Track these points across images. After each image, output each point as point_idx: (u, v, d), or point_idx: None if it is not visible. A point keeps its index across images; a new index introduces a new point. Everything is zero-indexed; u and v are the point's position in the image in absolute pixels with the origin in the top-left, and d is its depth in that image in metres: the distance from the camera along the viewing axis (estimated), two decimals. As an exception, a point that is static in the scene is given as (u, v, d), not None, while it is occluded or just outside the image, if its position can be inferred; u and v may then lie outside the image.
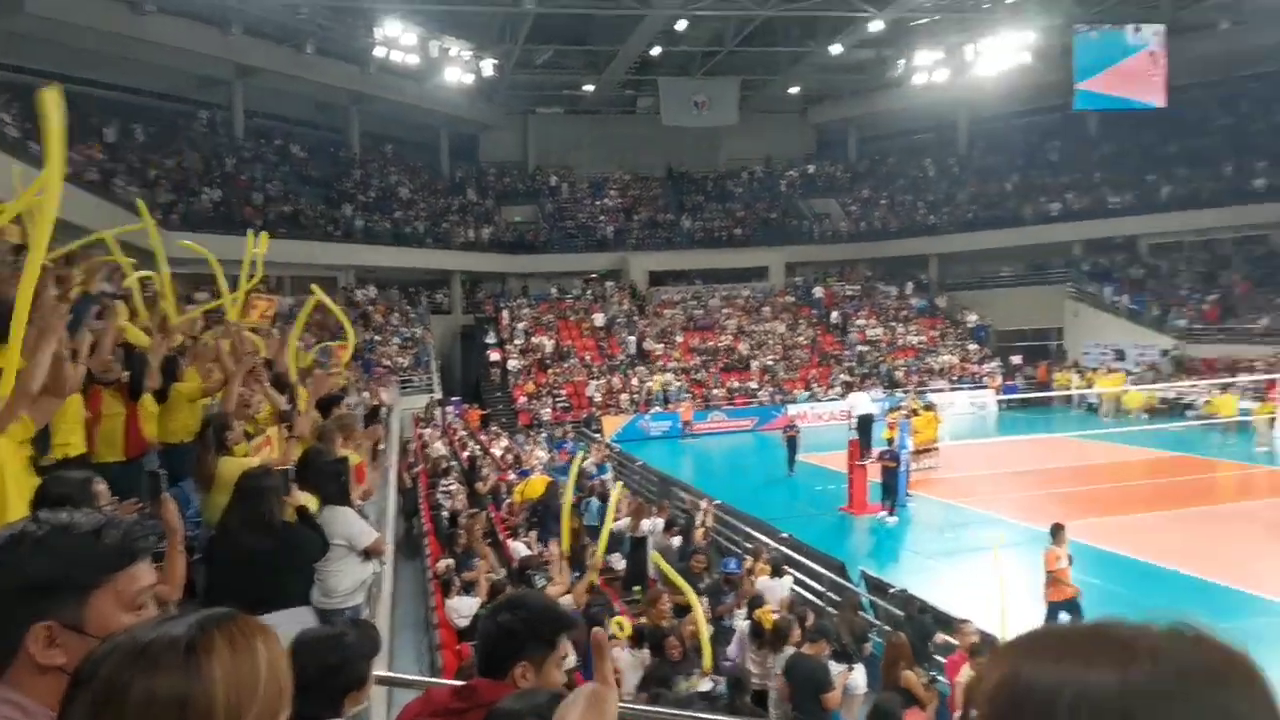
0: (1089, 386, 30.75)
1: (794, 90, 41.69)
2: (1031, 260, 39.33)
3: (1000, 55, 34.48)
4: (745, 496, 17.39)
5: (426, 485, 14.35)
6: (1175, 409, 27.83)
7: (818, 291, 39.56)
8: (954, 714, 7.01)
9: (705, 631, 7.31)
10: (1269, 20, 33.82)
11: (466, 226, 37.57)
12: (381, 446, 13.00)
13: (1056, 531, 10.05)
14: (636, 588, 10.64)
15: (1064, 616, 9.67)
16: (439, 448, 18.08)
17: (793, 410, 30.10)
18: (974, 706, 0.77)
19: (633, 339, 34.81)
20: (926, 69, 36.96)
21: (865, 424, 18.61)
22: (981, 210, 39.85)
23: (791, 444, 21.77)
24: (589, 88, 39.95)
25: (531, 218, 41.00)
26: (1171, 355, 31.53)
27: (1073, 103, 34.27)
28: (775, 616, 7.97)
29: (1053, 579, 9.78)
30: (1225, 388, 25.92)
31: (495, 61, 33.65)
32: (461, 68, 33.13)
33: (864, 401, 20.06)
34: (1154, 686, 0.67)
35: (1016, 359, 35.88)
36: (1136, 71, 33.37)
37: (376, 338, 29.39)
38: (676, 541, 11.52)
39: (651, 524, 11.43)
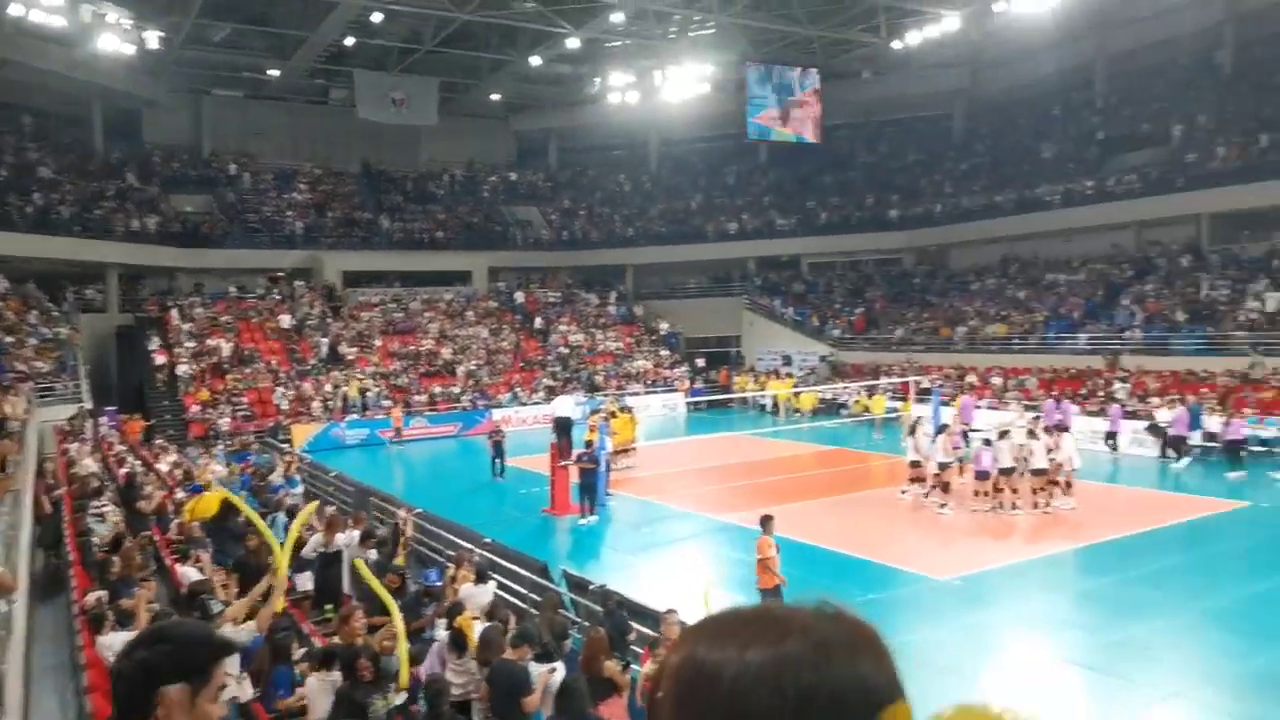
0: (763, 389, 33.86)
1: (496, 97, 41.77)
2: (714, 274, 42.73)
3: (684, 83, 37.29)
4: (449, 504, 17.01)
5: (72, 509, 12.38)
6: (832, 408, 31.51)
7: (520, 297, 39.87)
8: (640, 698, 7.34)
9: (404, 646, 6.94)
10: (901, 76, 39.80)
11: (127, 215, 33.17)
12: (8, 467, 11.04)
13: (766, 522, 10.63)
14: (329, 606, 9.93)
15: None
16: (89, 465, 15.70)
17: (497, 415, 30.00)
18: (660, 687, 0.85)
19: (325, 342, 32.78)
20: (620, 89, 38.97)
21: (564, 426, 18.99)
22: (671, 226, 42.52)
23: (497, 448, 21.61)
24: (274, 72, 37.11)
25: (206, 208, 37.15)
26: (828, 361, 35.68)
27: (746, 132, 38.02)
28: (476, 624, 7.83)
29: (763, 566, 10.36)
30: (871, 390, 29.72)
31: (161, 34, 30.06)
32: (120, 36, 29.18)
33: (566, 405, 20.47)
34: (801, 657, 0.78)
35: (700, 362, 38.68)
36: (798, 109, 37.78)
37: (8, 339, 24.97)
38: (374, 554, 10.92)
39: (347, 537, 10.73)
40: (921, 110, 43.11)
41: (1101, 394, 24.74)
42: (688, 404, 33.45)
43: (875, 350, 34.94)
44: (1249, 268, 27.42)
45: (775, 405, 32.46)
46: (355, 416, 29.29)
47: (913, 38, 33.21)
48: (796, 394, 32.17)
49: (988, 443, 16.42)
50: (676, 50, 36.10)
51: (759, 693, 0.77)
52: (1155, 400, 22.46)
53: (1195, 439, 20.84)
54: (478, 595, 9.37)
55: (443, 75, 38.07)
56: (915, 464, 17.28)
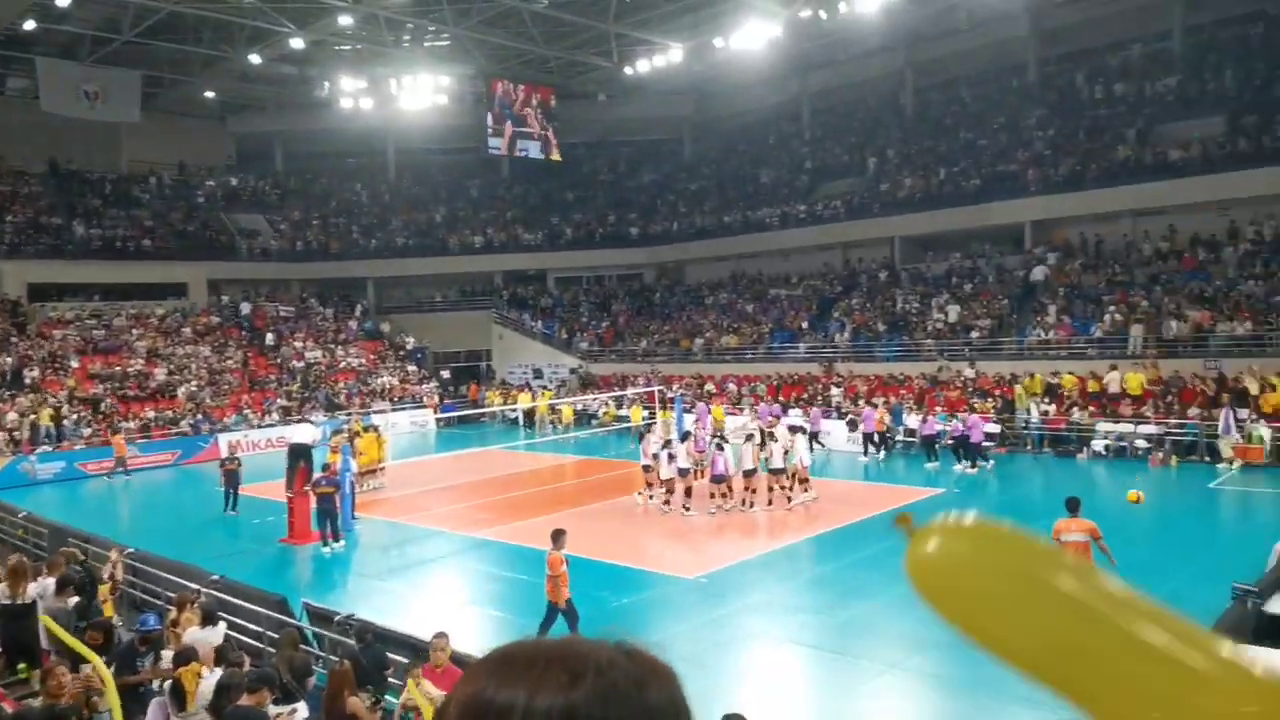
0: (514, 403, 33.81)
1: (210, 95, 38.47)
2: (461, 287, 42.10)
3: (421, 94, 36.68)
4: (170, 539, 15.39)
5: None
6: (584, 418, 32.12)
7: (245, 308, 36.93)
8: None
9: (115, 700, 6.17)
10: (634, 100, 41.70)
11: None
12: None
13: (558, 537, 10.58)
14: (21, 665, 8.58)
15: (560, 619, 10.33)
16: None
17: (225, 439, 27.55)
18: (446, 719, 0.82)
19: (9, 362, 28.44)
20: (352, 95, 37.48)
21: (300, 453, 17.64)
22: (414, 238, 41.36)
23: (231, 478, 19.35)
24: (-68, 53, 31.83)
25: None
26: (578, 373, 36.35)
27: (487, 146, 38.15)
28: (206, 673, 7.14)
29: (556, 582, 10.28)
30: (620, 400, 30.64)
31: None
32: None
33: (302, 431, 19.02)
34: (593, 697, 0.77)
35: (446, 374, 37.95)
36: (536, 127, 38.59)
37: None
38: (75, 601, 9.61)
39: (40, 586, 9.35)
40: (654, 134, 45.38)
41: (820, 398, 27.20)
42: (438, 420, 32.63)
43: (622, 362, 36.12)
44: (933, 284, 31.43)
45: (528, 419, 32.52)
46: (48, 448, 25.63)
47: (643, 65, 34.98)
48: (553, 407, 32.46)
49: (720, 447, 17.35)
50: (412, 59, 35.36)
51: None
52: (863, 403, 25.09)
53: (900, 434, 23.56)
54: (206, 638, 8.54)
55: (147, 69, 34.53)
56: (647, 468, 17.95)
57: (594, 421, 31.39)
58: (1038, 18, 33.14)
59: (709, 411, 26.57)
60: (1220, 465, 19.52)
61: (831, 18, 29.95)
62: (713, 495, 17.14)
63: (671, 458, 17.25)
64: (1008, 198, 29.81)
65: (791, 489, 17.45)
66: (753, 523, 16.57)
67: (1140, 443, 21.03)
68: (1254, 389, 20.50)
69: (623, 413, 30.12)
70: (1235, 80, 28.10)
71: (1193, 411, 20.69)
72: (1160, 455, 20.42)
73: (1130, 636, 0.79)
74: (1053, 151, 30.22)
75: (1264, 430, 19.41)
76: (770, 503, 17.24)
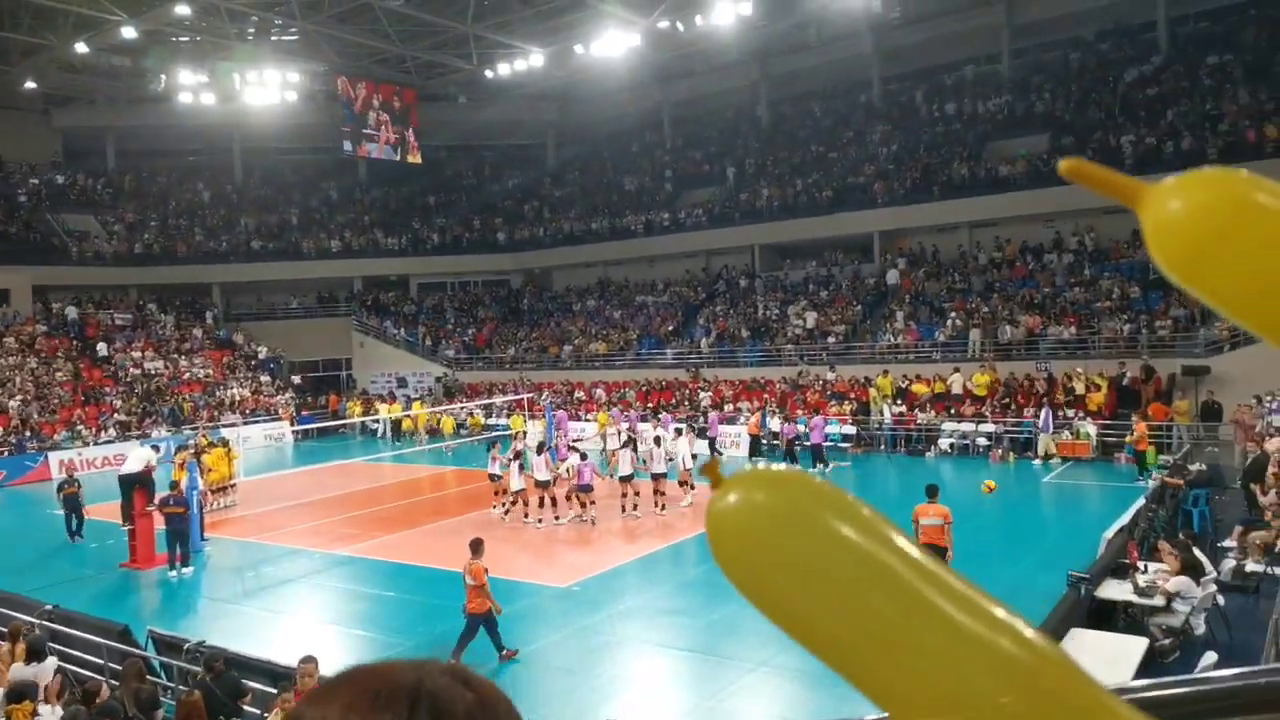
0: (375, 413, 32.70)
1: (32, 85, 35.40)
2: (319, 293, 40.40)
3: (268, 90, 35.06)
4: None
5: None
6: (451, 429, 31.44)
7: (73, 315, 34.18)
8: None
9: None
10: (496, 103, 41.26)
11: None
12: None
13: (477, 546, 10.46)
14: None
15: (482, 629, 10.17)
16: None
17: (58, 458, 25.44)
18: None
19: None
20: (191, 89, 35.41)
21: (130, 483, 16.34)
22: (264, 241, 39.43)
23: (71, 503, 17.46)
24: None
25: None
26: (443, 382, 35.54)
27: (341, 147, 36.90)
28: (46, 709, 6.64)
29: (477, 591, 10.11)
30: (489, 409, 30.20)
31: None
32: None
33: (133, 456, 17.60)
34: None
35: (296, 379, 36.41)
36: (394, 128, 37.67)
37: None
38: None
39: None
40: (517, 138, 45.04)
41: (688, 403, 27.70)
42: (294, 433, 31.19)
43: (489, 369, 35.60)
44: (791, 291, 32.61)
45: (395, 430, 31.52)
46: None
47: (504, 69, 34.74)
48: (411, 416, 31.58)
49: (584, 456, 17.28)
50: (257, 54, 33.72)
51: None
52: (741, 406, 25.73)
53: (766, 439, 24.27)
54: (32, 675, 7.90)
55: (-43, 56, 31.53)
56: (494, 478, 17.71)
57: (462, 431, 30.82)
58: (879, 37, 34.97)
59: (567, 419, 26.60)
60: (1037, 461, 21.14)
61: (688, 29, 30.67)
62: (583, 504, 16.87)
63: (521, 468, 17.05)
64: (857, 208, 31.32)
65: (664, 494, 17.59)
66: (624, 529, 16.69)
67: (981, 440, 22.53)
68: (1080, 389, 22.33)
69: (493, 421, 29.69)
70: (1057, 101, 30.55)
71: (1029, 411, 22.32)
72: (999, 452, 21.94)
73: (920, 600, 0.70)
74: (896, 165, 31.96)
75: (1090, 427, 21.16)
76: (661, 507, 17.28)
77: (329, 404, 35.21)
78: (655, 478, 17.46)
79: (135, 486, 15.99)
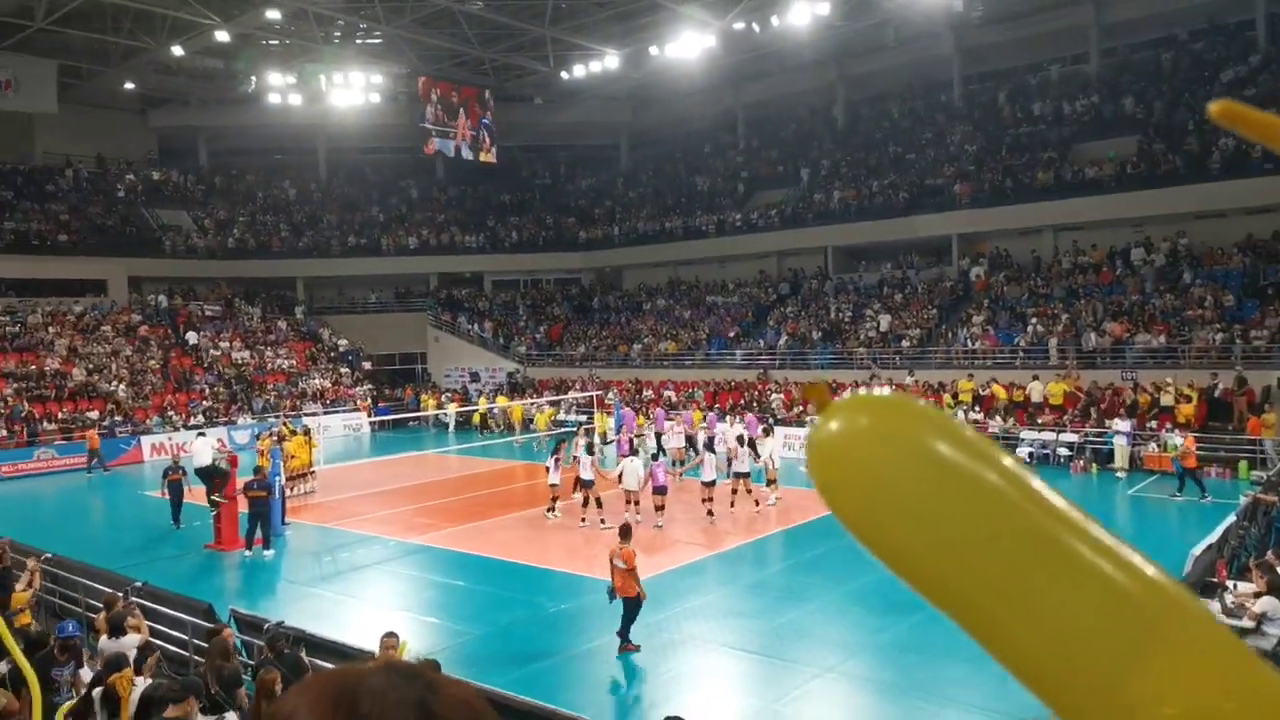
0: (440, 407, 33.27)
1: (130, 87, 37.08)
2: (396, 288, 41.41)
3: (353, 92, 36.04)
4: (91, 545, 14.84)
5: None
6: (524, 423, 31.80)
7: (165, 304, 35.69)
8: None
9: (39, 714, 5.94)
10: (571, 105, 41.68)
11: None
12: None
13: (626, 532, 10.94)
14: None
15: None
16: None
17: (150, 441, 26.68)
18: None
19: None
20: (280, 91, 36.61)
21: (206, 473, 17.31)
22: (347, 238, 40.56)
23: (175, 490, 17.60)
24: None
25: None
26: (515, 377, 36.05)
27: (421, 147, 37.73)
28: (139, 680, 6.94)
29: (628, 575, 10.49)
30: (557, 405, 30.49)
31: None
32: None
33: (200, 451, 18.35)
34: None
35: (368, 365, 37.27)
36: (472, 129, 38.33)
37: None
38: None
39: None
40: (591, 139, 45.43)
41: (757, 404, 27.52)
42: (372, 423, 32.01)
43: (560, 366, 35.97)
44: (865, 293, 32.13)
45: (488, 423, 31.83)
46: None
47: (579, 70, 35.05)
48: (483, 412, 32.10)
49: (655, 457, 17.12)
50: (343, 56, 34.70)
51: None
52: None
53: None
54: (116, 649, 8.29)
55: (63, 58, 33.17)
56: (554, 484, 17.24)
57: (531, 426, 31.20)
58: (960, 37, 34.19)
59: (633, 418, 26.51)
60: (1120, 474, 20.37)
61: (765, 30, 30.45)
62: (658, 507, 16.25)
63: (558, 463, 17.12)
64: (935, 211, 30.70)
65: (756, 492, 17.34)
66: (694, 528, 16.62)
67: (1062, 450, 21.84)
68: (1168, 399, 21.46)
69: (562, 417, 29.93)
70: (1147, 102, 29.44)
71: (1113, 422, 21.53)
72: (1080, 463, 21.24)
73: (1046, 541, 0.63)
74: (976, 167, 31.21)
75: (1177, 439, 20.28)
76: (732, 505, 17.21)
77: (405, 396, 35.95)
78: (739, 476, 17.26)
79: (211, 476, 16.90)
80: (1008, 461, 0.69)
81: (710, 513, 16.87)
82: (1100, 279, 27.17)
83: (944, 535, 0.67)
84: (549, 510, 17.37)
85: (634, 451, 17.94)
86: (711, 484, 16.90)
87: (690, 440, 22.79)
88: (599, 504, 16.70)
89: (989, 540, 0.66)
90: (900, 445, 0.70)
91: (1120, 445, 20.63)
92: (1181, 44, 30.80)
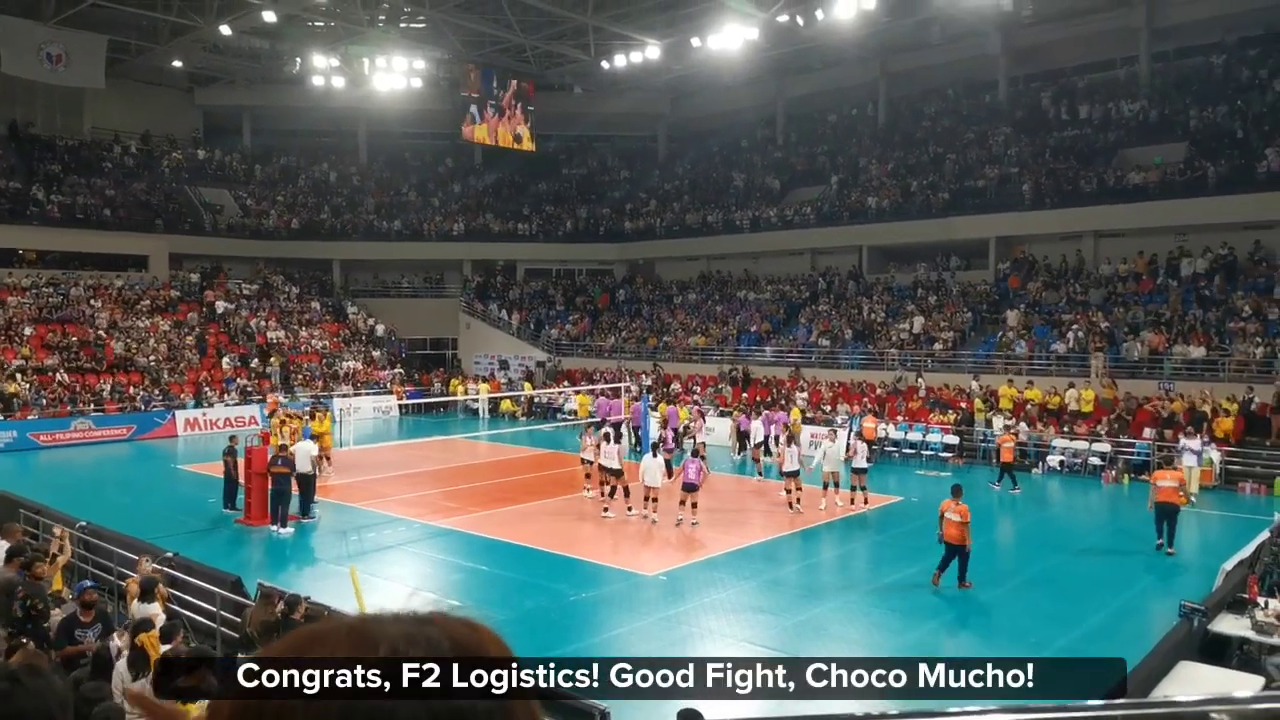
0: (466, 392, 33.43)
1: (178, 64, 37.62)
2: (430, 273, 41.72)
3: (395, 76, 36.25)
4: (123, 515, 15.14)
5: None
6: (549, 411, 32.00)
7: (204, 282, 36.27)
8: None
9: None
10: (609, 94, 41.65)
11: None
12: None
13: (958, 491, 12.47)
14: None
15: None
16: None
17: (184, 416, 27.18)
18: None
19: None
20: (323, 73, 36.97)
21: (305, 480, 17.53)
22: (383, 221, 40.91)
23: (229, 472, 17.27)
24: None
25: None
26: (545, 366, 36.19)
27: (460, 133, 37.90)
28: (166, 646, 7.14)
29: (962, 527, 12.10)
30: (591, 394, 30.56)
31: None
32: None
33: (304, 458, 18.39)
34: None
35: (400, 351, 37.61)
36: (511, 116, 38.37)
37: None
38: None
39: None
40: (628, 130, 45.35)
41: (785, 402, 27.37)
42: (401, 407, 32.32)
43: (589, 356, 36.04)
44: (898, 294, 31.82)
45: (525, 409, 32.02)
46: (-1, 417, 25.07)
47: (620, 60, 34.98)
48: (513, 397, 32.24)
49: (695, 454, 16.55)
50: (386, 40, 34.92)
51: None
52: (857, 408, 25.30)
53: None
54: (145, 612, 8.54)
55: (112, 34, 33.71)
56: (587, 461, 17.88)
57: (558, 415, 31.33)
58: (1008, 36, 33.64)
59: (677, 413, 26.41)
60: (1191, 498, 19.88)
61: (809, 25, 30.18)
62: (683, 503, 15.90)
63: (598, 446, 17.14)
64: (974, 213, 30.30)
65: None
66: (719, 522, 16.57)
67: (1094, 460, 21.51)
68: (1207, 412, 21.03)
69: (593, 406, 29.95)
70: (1197, 109, 28.81)
71: (1148, 432, 21.17)
72: (1112, 473, 20.91)
73: None
74: (1019, 169, 30.75)
75: (1214, 453, 19.88)
76: (799, 501, 17.00)
77: (436, 380, 36.18)
78: (788, 475, 17.06)
79: (306, 482, 16.78)
80: None
81: (790, 505, 16.88)
82: (1140, 288, 26.69)
83: None
84: (586, 489, 17.88)
85: (654, 449, 17.88)
86: (795, 474, 16.84)
87: (678, 435, 22.68)
88: (626, 494, 16.72)
89: None
90: None
91: (1189, 467, 17.95)
92: (1235, 50, 30.09)
